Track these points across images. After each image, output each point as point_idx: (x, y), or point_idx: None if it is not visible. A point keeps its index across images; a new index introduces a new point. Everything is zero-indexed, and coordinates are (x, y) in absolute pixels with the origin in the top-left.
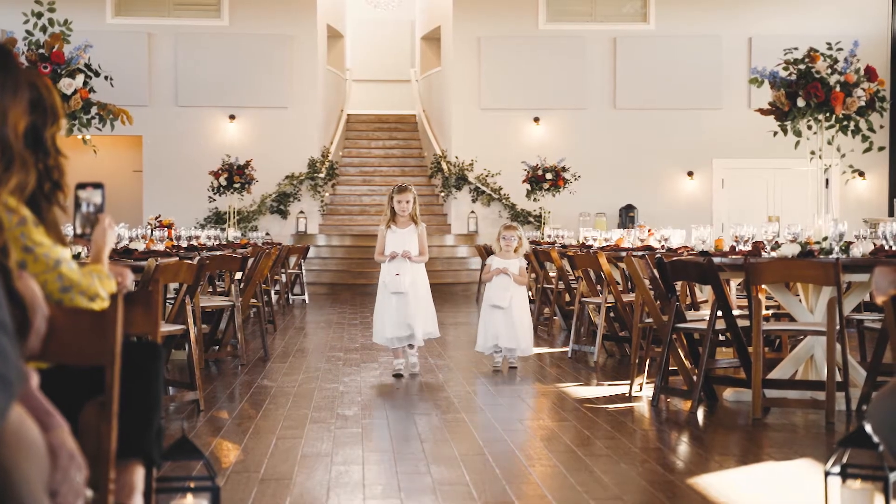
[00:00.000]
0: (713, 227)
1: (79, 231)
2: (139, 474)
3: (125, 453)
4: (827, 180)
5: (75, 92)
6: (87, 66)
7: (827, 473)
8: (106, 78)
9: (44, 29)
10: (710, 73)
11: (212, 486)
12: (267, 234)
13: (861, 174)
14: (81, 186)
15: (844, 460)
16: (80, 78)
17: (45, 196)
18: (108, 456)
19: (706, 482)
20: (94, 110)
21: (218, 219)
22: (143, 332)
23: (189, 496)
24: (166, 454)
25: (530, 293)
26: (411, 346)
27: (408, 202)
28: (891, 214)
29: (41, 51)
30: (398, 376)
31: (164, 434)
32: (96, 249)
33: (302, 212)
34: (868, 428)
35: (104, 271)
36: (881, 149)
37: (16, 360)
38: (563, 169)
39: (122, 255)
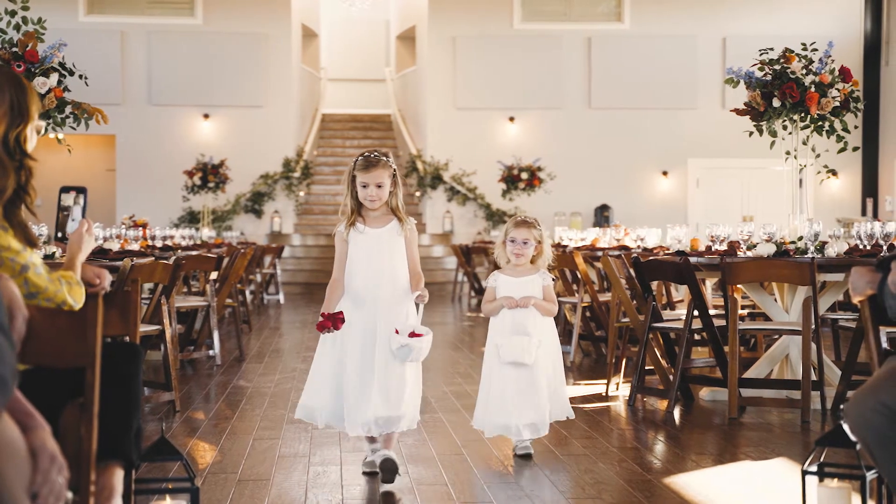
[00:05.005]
0: (688, 227)
1: (58, 234)
2: (119, 476)
3: (105, 455)
4: (801, 180)
5: (49, 91)
6: (62, 64)
7: (805, 472)
8: (81, 77)
9: (17, 27)
10: (684, 72)
11: (191, 487)
12: (241, 233)
13: (835, 174)
14: (65, 190)
15: (822, 459)
16: (55, 77)
17: (11, 198)
18: (89, 458)
19: (683, 481)
20: (68, 109)
21: (192, 218)
22: (121, 333)
23: (168, 497)
24: (145, 455)
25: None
26: (373, 440)
27: (379, 185)
28: (863, 214)
29: (14, 49)
30: (371, 474)
31: (142, 435)
32: (70, 255)
33: (276, 211)
34: (846, 427)
35: (75, 278)
36: (856, 149)
37: (11, 359)
38: (539, 168)
39: (96, 255)
